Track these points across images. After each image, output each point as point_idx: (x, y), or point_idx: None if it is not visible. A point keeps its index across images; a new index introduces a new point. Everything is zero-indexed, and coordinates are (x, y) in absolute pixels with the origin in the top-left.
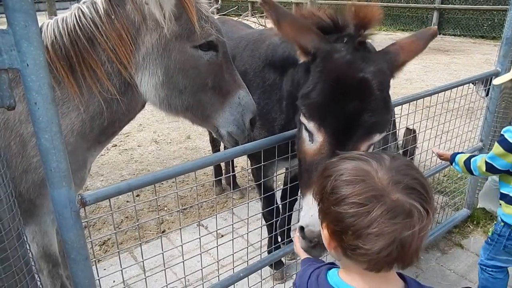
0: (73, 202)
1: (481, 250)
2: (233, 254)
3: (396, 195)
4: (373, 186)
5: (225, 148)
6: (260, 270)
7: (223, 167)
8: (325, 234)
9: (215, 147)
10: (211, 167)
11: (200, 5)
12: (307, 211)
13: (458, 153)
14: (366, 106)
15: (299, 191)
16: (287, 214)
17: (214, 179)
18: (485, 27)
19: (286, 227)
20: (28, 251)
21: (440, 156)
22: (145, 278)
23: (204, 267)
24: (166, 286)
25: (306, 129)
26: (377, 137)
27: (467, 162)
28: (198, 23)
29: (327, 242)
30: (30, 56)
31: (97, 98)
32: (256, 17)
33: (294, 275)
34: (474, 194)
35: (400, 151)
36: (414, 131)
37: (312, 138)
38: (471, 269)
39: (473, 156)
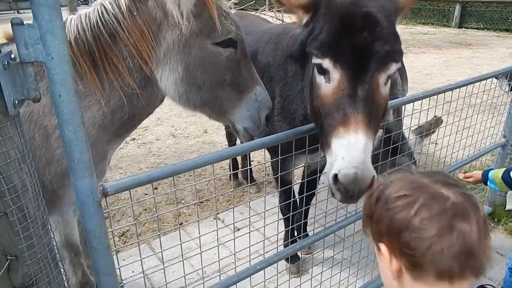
0: (95, 192)
1: (511, 253)
2: (249, 247)
3: (438, 187)
4: (416, 181)
5: (241, 142)
6: (276, 264)
7: (239, 162)
8: (385, 256)
9: (231, 141)
10: (228, 161)
11: (221, 2)
12: (337, 155)
13: (488, 170)
14: (376, 36)
15: (317, 184)
16: (304, 208)
17: (231, 172)
18: (509, 20)
19: (303, 221)
20: (52, 239)
21: (467, 178)
22: (164, 269)
23: (220, 259)
24: (184, 277)
25: (321, 71)
26: (394, 67)
27: (506, 177)
28: (219, 20)
29: (391, 267)
30: (54, 50)
31: (118, 93)
32: (273, 11)
33: (310, 269)
34: (496, 191)
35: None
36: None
37: (329, 77)
38: (492, 267)
39: (511, 168)
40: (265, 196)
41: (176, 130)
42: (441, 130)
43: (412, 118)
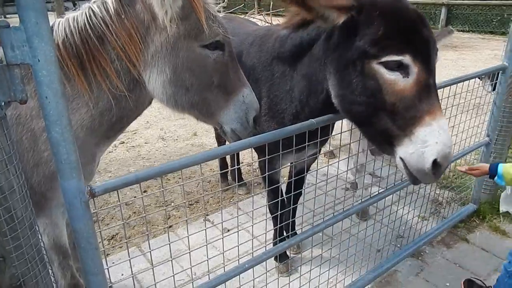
0: (83, 193)
1: (510, 256)
2: (238, 246)
3: None
4: None
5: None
6: (265, 262)
7: (228, 163)
8: None
9: (220, 143)
10: (217, 164)
11: (208, 5)
12: (427, 141)
13: (496, 164)
14: (430, 31)
15: (304, 182)
16: (291, 207)
17: (220, 171)
18: (494, 23)
19: (291, 219)
20: (40, 240)
21: (471, 171)
22: (153, 269)
23: (210, 259)
24: (173, 276)
25: (397, 67)
26: None
27: None
28: (206, 23)
29: None
30: (41, 52)
31: (106, 95)
32: (262, 14)
33: (299, 268)
34: (481, 189)
35: None
36: None
37: (407, 72)
38: (476, 263)
39: None
40: (252, 196)
41: (165, 133)
42: None
43: None
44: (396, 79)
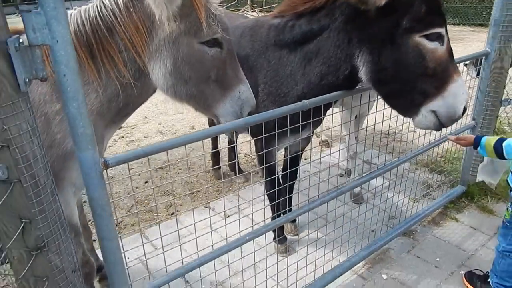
0: (98, 164)
1: (500, 237)
2: (239, 232)
3: None
4: None
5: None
6: (265, 240)
7: (222, 155)
8: None
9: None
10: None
11: (210, 4)
12: (457, 93)
13: (481, 136)
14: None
15: (299, 161)
16: (288, 183)
17: (213, 165)
18: (484, 15)
19: (288, 195)
20: (60, 207)
21: (459, 140)
22: (163, 253)
23: (213, 244)
24: (182, 260)
25: (437, 38)
26: None
27: (498, 146)
28: (206, 21)
29: None
30: (59, 34)
31: (114, 82)
32: (255, 11)
33: (299, 250)
34: (469, 171)
35: None
36: None
37: (443, 40)
38: (465, 239)
39: (504, 139)
40: (252, 186)
41: (164, 127)
42: None
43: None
44: (436, 47)
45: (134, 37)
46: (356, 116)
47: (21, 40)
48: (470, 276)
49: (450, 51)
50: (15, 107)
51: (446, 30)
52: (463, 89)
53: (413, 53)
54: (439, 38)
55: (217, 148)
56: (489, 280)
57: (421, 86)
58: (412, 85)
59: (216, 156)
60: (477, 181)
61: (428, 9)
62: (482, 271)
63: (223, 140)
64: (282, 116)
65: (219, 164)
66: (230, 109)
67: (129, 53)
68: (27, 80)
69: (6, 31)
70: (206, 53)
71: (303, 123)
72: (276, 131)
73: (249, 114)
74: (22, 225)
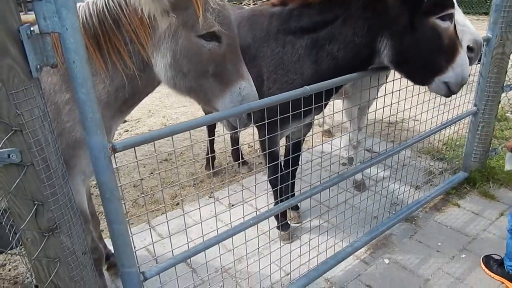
0: (106, 148)
1: (509, 215)
2: (243, 217)
3: None
4: None
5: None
6: (269, 232)
7: (218, 149)
8: None
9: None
10: (220, 146)
11: None
12: (463, 64)
13: None
14: None
15: (301, 146)
16: (291, 169)
17: (207, 158)
18: (488, 3)
19: (290, 181)
20: (70, 191)
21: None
22: (170, 237)
23: (218, 229)
24: (187, 244)
25: (447, 18)
26: None
27: None
28: (203, 14)
29: None
30: (68, 22)
31: (120, 73)
32: (256, 3)
33: (302, 236)
34: (470, 157)
35: None
36: None
37: (452, 20)
38: (466, 224)
39: None
40: (255, 174)
41: (168, 120)
42: (420, 106)
43: (393, 97)
44: (448, 26)
45: (139, 29)
46: (359, 108)
47: (32, 28)
48: (488, 260)
49: (455, 28)
50: (27, 92)
51: None
52: (466, 58)
53: (430, 33)
54: (450, 17)
55: (213, 136)
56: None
57: (435, 60)
58: (428, 61)
59: (211, 149)
60: (505, 170)
61: None
62: (500, 255)
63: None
64: (285, 102)
65: (213, 154)
66: (230, 105)
67: (134, 45)
68: (38, 66)
69: (18, 19)
70: (203, 47)
71: (305, 108)
72: (279, 116)
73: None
74: (35, 207)
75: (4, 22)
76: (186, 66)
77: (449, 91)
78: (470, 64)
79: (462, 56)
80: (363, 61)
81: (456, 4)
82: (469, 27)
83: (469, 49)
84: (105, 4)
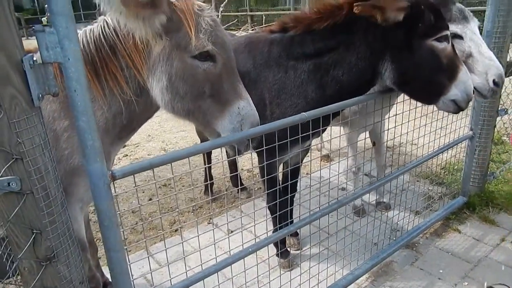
0: (106, 176)
1: None
2: (242, 245)
3: None
4: None
5: (228, 155)
6: (268, 260)
7: (212, 175)
8: None
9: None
10: (219, 171)
11: (202, 18)
12: (467, 80)
13: None
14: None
15: (299, 173)
16: (289, 195)
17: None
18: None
19: (289, 207)
20: (69, 219)
21: None
22: (168, 265)
23: (216, 257)
24: (186, 273)
25: (444, 39)
26: None
27: None
28: (196, 35)
29: None
30: (70, 52)
31: (117, 99)
32: (255, 29)
33: (302, 264)
34: (469, 182)
35: None
36: None
37: (448, 40)
38: (468, 250)
39: None
40: (253, 199)
41: (167, 145)
42: (417, 131)
43: (389, 122)
44: (445, 47)
45: (134, 54)
46: (374, 143)
47: (34, 58)
48: None
49: (453, 46)
50: (29, 121)
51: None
52: (468, 75)
53: (428, 55)
54: (446, 38)
55: (210, 163)
56: None
57: (437, 80)
58: (430, 81)
59: (208, 174)
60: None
61: (435, 16)
62: (508, 286)
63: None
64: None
65: (211, 181)
66: (230, 126)
67: (130, 70)
68: (40, 95)
69: (21, 49)
70: (198, 67)
71: (303, 134)
72: (277, 143)
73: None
74: (33, 236)
75: (7, 52)
76: (183, 88)
77: (458, 107)
78: (493, 97)
79: (464, 73)
80: (367, 82)
81: (479, 36)
82: (495, 61)
83: (495, 83)
84: (102, 31)
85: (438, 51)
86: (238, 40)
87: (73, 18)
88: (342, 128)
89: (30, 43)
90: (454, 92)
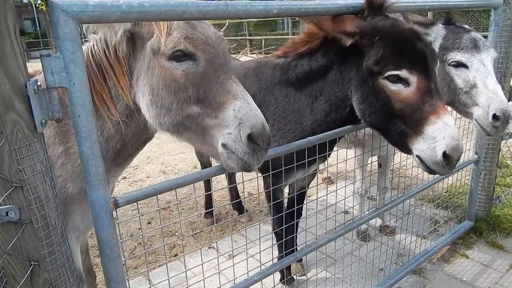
0: (108, 204)
1: None
2: (247, 273)
3: None
4: None
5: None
6: (272, 277)
7: (215, 198)
8: None
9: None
10: (219, 194)
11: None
12: (436, 137)
13: None
14: (426, 43)
15: (305, 197)
16: (295, 221)
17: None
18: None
19: (295, 234)
20: (69, 249)
21: None
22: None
23: (221, 285)
24: None
25: (398, 80)
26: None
27: None
28: (167, 33)
29: None
30: (76, 77)
31: (107, 122)
32: (254, 53)
33: None
34: (474, 206)
35: None
36: None
37: (408, 82)
38: (477, 277)
39: None
40: (259, 223)
41: (166, 167)
42: None
43: None
44: (399, 89)
45: (117, 70)
46: (380, 165)
47: (39, 83)
48: None
49: (425, 91)
50: (30, 148)
51: (421, 69)
52: (446, 131)
53: (380, 94)
54: (401, 80)
55: (210, 190)
56: None
57: (397, 126)
58: (390, 124)
59: (208, 202)
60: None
61: (386, 52)
62: None
63: (223, 179)
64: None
65: (212, 208)
66: (226, 130)
67: (117, 90)
68: (43, 121)
69: (26, 75)
70: (177, 69)
71: (310, 159)
72: (283, 167)
73: (252, 136)
74: (31, 267)
75: (11, 77)
76: (167, 97)
77: (425, 167)
78: (497, 134)
79: (435, 128)
80: (348, 115)
81: (489, 68)
82: (499, 94)
83: (495, 117)
84: (91, 49)
85: (389, 93)
86: (249, 64)
87: (80, 44)
88: (354, 150)
89: (30, 66)
90: (420, 146)
